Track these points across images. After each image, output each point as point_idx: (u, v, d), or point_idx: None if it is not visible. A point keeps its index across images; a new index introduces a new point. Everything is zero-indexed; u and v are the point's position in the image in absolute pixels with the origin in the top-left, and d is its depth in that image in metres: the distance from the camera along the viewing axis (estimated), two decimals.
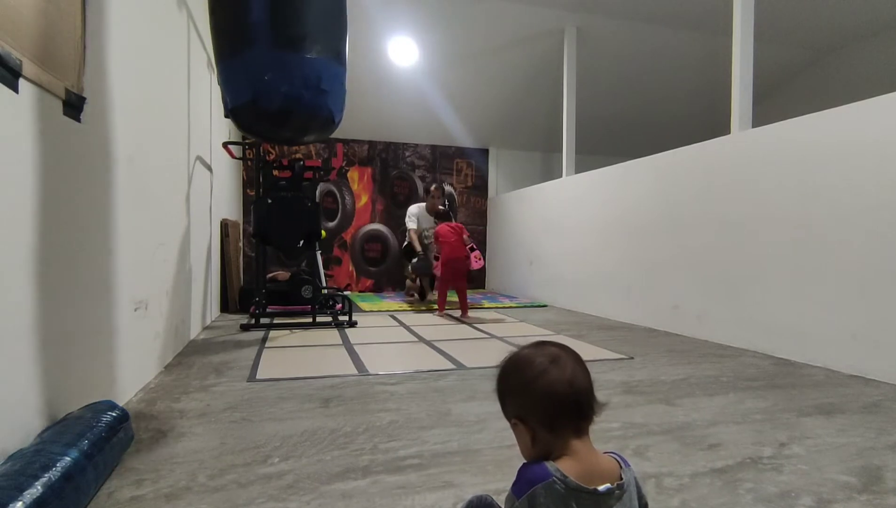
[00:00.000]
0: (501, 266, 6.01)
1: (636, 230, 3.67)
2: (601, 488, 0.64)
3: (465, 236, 4.09)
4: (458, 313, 4.07)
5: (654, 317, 3.45)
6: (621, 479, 0.66)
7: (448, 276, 4.06)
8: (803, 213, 2.44)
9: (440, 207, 4.59)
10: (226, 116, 1.95)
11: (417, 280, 4.93)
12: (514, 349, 0.77)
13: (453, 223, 4.18)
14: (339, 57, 1.96)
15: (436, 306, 4.26)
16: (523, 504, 0.64)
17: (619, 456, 0.71)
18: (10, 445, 1.04)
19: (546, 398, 0.68)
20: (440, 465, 1.25)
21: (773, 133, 2.64)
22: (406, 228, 4.84)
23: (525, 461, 0.70)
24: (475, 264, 4.05)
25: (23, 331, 1.11)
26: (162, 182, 2.25)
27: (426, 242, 4.68)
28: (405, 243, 4.89)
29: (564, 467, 0.65)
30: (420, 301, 4.78)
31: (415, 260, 4.63)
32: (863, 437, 1.46)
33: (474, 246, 4.14)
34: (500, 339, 3.02)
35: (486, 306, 4.62)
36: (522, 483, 0.66)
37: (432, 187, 4.76)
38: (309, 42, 1.83)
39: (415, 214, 4.77)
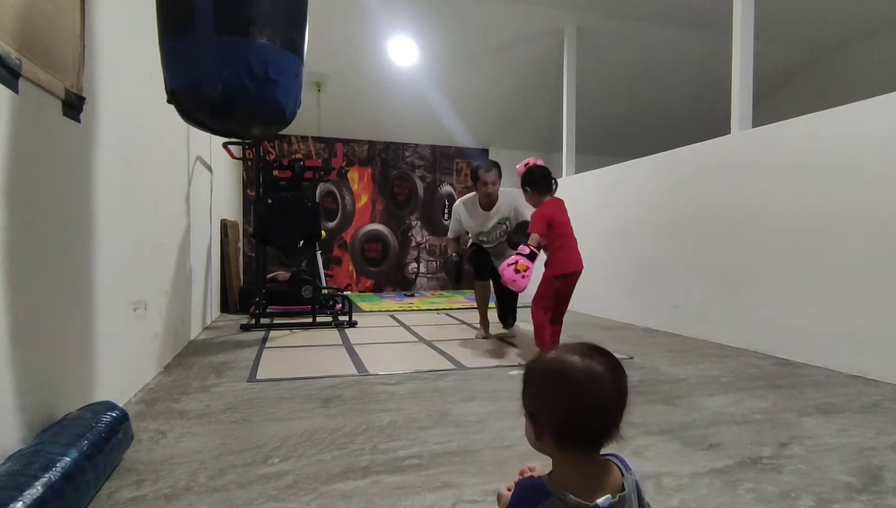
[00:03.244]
0: None
1: (636, 230, 3.67)
2: (601, 501, 0.61)
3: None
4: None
5: (654, 317, 3.45)
6: (623, 489, 0.63)
7: (556, 298, 2.32)
8: (803, 213, 2.44)
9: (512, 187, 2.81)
10: (168, 102, 1.83)
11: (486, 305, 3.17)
12: (558, 349, 0.67)
13: (560, 199, 2.48)
14: (294, 46, 1.83)
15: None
16: None
17: (620, 460, 0.67)
18: (9, 445, 1.04)
19: (567, 424, 0.63)
20: (440, 465, 1.25)
21: (773, 133, 2.64)
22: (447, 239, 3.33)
23: (530, 445, 0.67)
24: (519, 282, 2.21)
25: (20, 331, 1.11)
26: (161, 182, 2.25)
27: (490, 247, 3.10)
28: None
29: (562, 480, 0.63)
30: (485, 337, 3.02)
31: (450, 257, 3.18)
32: (863, 437, 1.46)
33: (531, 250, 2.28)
34: (500, 339, 3.02)
35: None
36: (522, 505, 0.63)
37: (480, 171, 2.99)
38: (256, 28, 1.69)
39: (455, 217, 3.18)
